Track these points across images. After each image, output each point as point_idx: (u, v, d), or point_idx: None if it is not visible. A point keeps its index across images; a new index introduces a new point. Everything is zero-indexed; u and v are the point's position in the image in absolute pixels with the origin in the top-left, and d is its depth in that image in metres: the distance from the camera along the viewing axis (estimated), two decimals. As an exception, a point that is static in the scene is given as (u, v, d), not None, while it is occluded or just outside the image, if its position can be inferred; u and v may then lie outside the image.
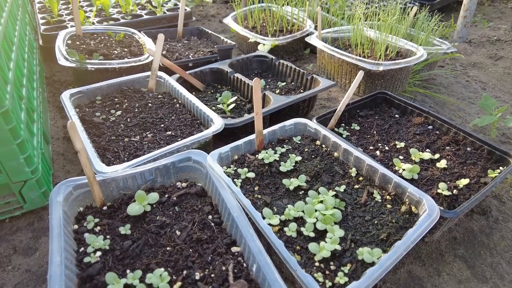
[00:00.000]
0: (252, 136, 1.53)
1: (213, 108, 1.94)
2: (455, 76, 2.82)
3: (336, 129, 1.75)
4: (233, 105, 1.91)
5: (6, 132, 1.16)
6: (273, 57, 2.34)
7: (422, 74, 2.58)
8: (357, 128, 1.75)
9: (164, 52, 2.41)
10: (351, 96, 1.72)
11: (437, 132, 1.70)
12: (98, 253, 1.11)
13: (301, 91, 2.12)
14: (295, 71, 2.19)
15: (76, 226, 1.21)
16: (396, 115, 1.85)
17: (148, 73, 2.03)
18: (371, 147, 1.62)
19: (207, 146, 1.67)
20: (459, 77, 2.82)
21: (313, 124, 1.62)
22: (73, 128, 1.10)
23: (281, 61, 2.28)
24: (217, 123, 1.59)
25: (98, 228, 1.20)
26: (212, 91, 2.15)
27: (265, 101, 1.91)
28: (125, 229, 1.19)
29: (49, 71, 2.52)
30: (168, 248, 1.13)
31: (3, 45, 1.42)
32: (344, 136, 1.71)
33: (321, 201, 1.26)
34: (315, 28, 2.85)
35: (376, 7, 3.65)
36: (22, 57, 1.79)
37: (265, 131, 1.58)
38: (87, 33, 2.51)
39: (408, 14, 2.87)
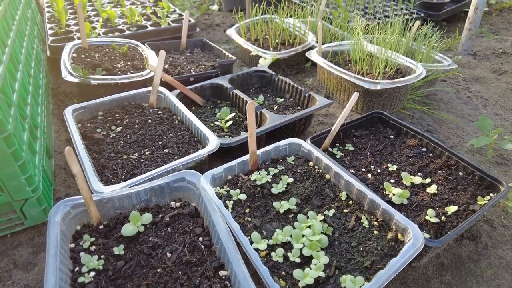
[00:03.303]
0: (246, 157, 1.57)
1: (211, 124, 1.98)
2: (457, 91, 2.82)
3: (330, 149, 1.78)
4: (231, 122, 1.95)
5: (8, 155, 1.22)
6: (273, 73, 2.38)
7: (423, 91, 2.58)
8: (351, 148, 1.78)
9: (166, 66, 2.46)
10: (345, 116, 1.75)
11: (431, 155, 1.72)
12: (92, 273, 1.16)
13: (299, 108, 2.15)
14: (293, 88, 2.22)
15: (73, 245, 1.26)
16: (391, 136, 1.87)
17: (150, 88, 2.08)
18: (364, 169, 1.64)
19: (203, 164, 1.71)
20: (461, 92, 2.81)
21: (306, 145, 1.65)
22: (70, 155, 1.15)
23: (280, 77, 2.31)
24: (213, 143, 1.63)
25: (94, 247, 1.25)
26: (211, 106, 2.19)
27: (262, 119, 1.95)
28: (118, 250, 1.24)
29: (55, 82, 2.60)
30: (158, 270, 1.18)
31: (8, 66, 1.48)
32: (337, 156, 1.74)
33: (309, 226, 1.30)
34: (317, 41, 2.87)
35: (379, 18, 3.66)
36: (27, 73, 1.86)
37: (259, 151, 1.61)
38: (93, 45, 2.58)
39: (410, 29, 2.88)
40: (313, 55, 2.49)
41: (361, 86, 2.12)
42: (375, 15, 3.84)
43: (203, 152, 1.59)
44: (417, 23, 2.81)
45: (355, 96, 1.72)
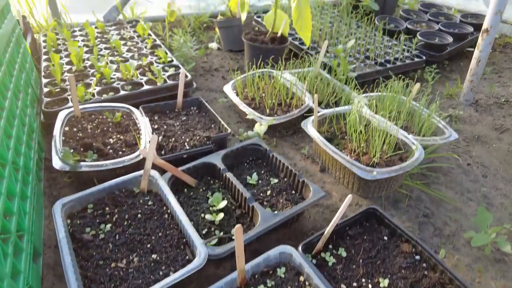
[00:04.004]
0: (234, 274, 1.53)
1: (202, 216, 1.94)
2: (457, 155, 2.76)
3: (323, 253, 1.74)
4: (222, 215, 1.91)
5: (-13, 305, 1.19)
6: (267, 148, 2.34)
7: (421, 165, 2.51)
8: (344, 254, 1.74)
9: (160, 137, 2.42)
10: (339, 219, 1.71)
11: (424, 265, 1.67)
12: None
13: (293, 193, 2.12)
14: (288, 169, 2.18)
15: None
16: (385, 237, 1.82)
17: (141, 172, 2.05)
18: (355, 284, 1.60)
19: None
20: (461, 157, 2.75)
21: (297, 256, 1.62)
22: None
23: (275, 154, 2.27)
24: (200, 254, 1.61)
25: None
26: (204, 188, 2.15)
27: (253, 213, 1.91)
28: None
29: (48, 150, 2.56)
30: None
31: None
32: (330, 264, 1.70)
33: None
34: (313, 101, 2.83)
35: (380, 64, 3.60)
36: (15, 169, 1.83)
37: (249, 265, 1.58)
38: (85, 112, 2.55)
39: (410, 91, 2.83)
40: (309, 127, 2.44)
41: (355, 173, 2.08)
42: (376, 59, 3.78)
43: (190, 268, 1.56)
44: (417, 85, 2.76)
45: (348, 199, 1.67)
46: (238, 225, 1.43)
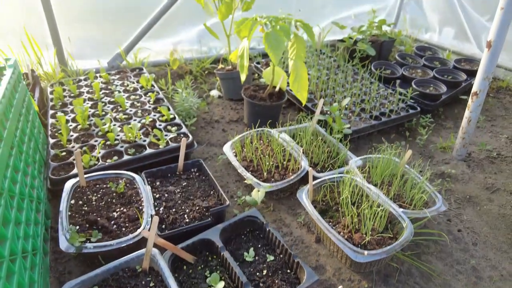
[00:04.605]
0: None
1: (201, 298, 2.04)
2: (448, 220, 2.85)
3: None
4: (220, 299, 2.01)
5: None
6: (264, 222, 2.44)
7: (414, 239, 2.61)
8: None
9: (161, 209, 2.53)
10: (330, 309, 1.80)
11: None
12: None
13: (288, 272, 2.21)
14: (283, 247, 2.28)
15: None
16: (375, 325, 1.91)
17: (143, 251, 2.15)
18: None
19: None
20: (452, 221, 2.85)
21: None
22: None
23: (271, 229, 2.37)
24: None
25: None
26: (202, 266, 2.25)
27: (250, 299, 2.00)
28: None
29: (54, 217, 2.68)
30: None
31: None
32: None
33: None
34: (308, 165, 2.93)
35: (375, 118, 3.71)
36: (23, 257, 1.93)
37: None
38: (91, 182, 2.66)
39: (401, 158, 2.93)
40: (304, 198, 2.54)
41: (345, 252, 2.17)
42: (371, 112, 3.90)
43: None
44: (409, 152, 2.87)
45: (339, 292, 1.77)
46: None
